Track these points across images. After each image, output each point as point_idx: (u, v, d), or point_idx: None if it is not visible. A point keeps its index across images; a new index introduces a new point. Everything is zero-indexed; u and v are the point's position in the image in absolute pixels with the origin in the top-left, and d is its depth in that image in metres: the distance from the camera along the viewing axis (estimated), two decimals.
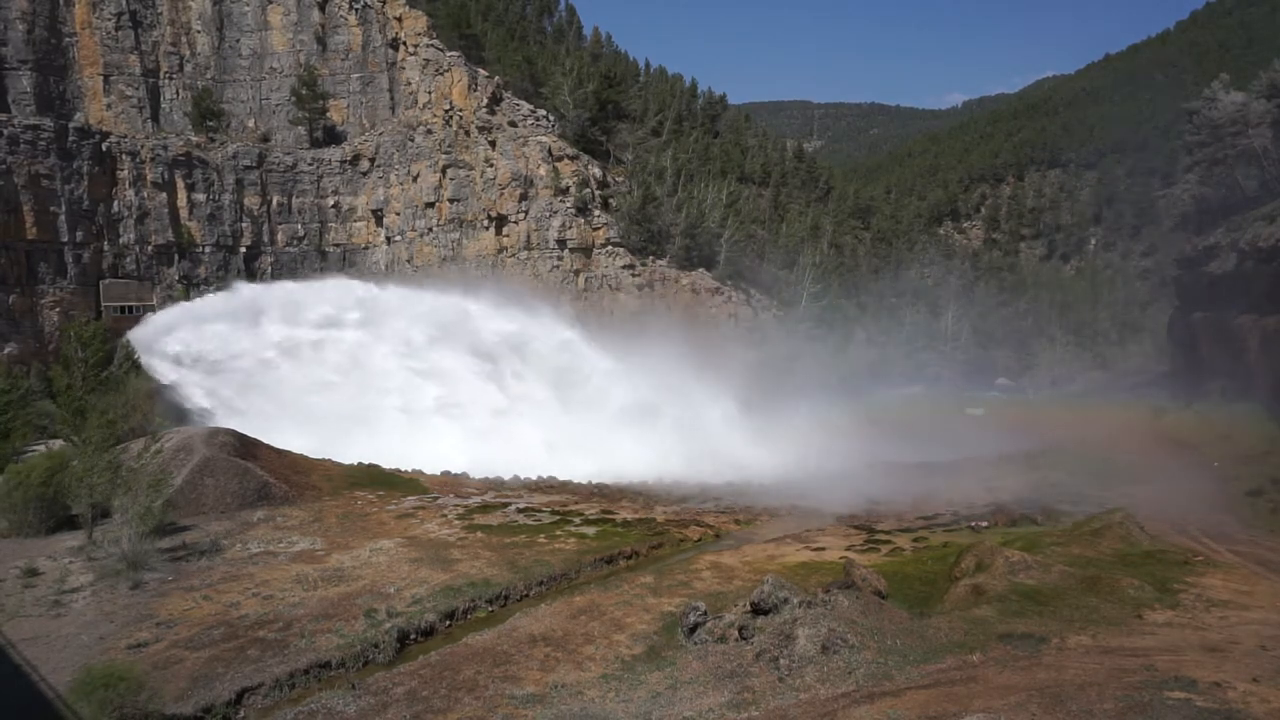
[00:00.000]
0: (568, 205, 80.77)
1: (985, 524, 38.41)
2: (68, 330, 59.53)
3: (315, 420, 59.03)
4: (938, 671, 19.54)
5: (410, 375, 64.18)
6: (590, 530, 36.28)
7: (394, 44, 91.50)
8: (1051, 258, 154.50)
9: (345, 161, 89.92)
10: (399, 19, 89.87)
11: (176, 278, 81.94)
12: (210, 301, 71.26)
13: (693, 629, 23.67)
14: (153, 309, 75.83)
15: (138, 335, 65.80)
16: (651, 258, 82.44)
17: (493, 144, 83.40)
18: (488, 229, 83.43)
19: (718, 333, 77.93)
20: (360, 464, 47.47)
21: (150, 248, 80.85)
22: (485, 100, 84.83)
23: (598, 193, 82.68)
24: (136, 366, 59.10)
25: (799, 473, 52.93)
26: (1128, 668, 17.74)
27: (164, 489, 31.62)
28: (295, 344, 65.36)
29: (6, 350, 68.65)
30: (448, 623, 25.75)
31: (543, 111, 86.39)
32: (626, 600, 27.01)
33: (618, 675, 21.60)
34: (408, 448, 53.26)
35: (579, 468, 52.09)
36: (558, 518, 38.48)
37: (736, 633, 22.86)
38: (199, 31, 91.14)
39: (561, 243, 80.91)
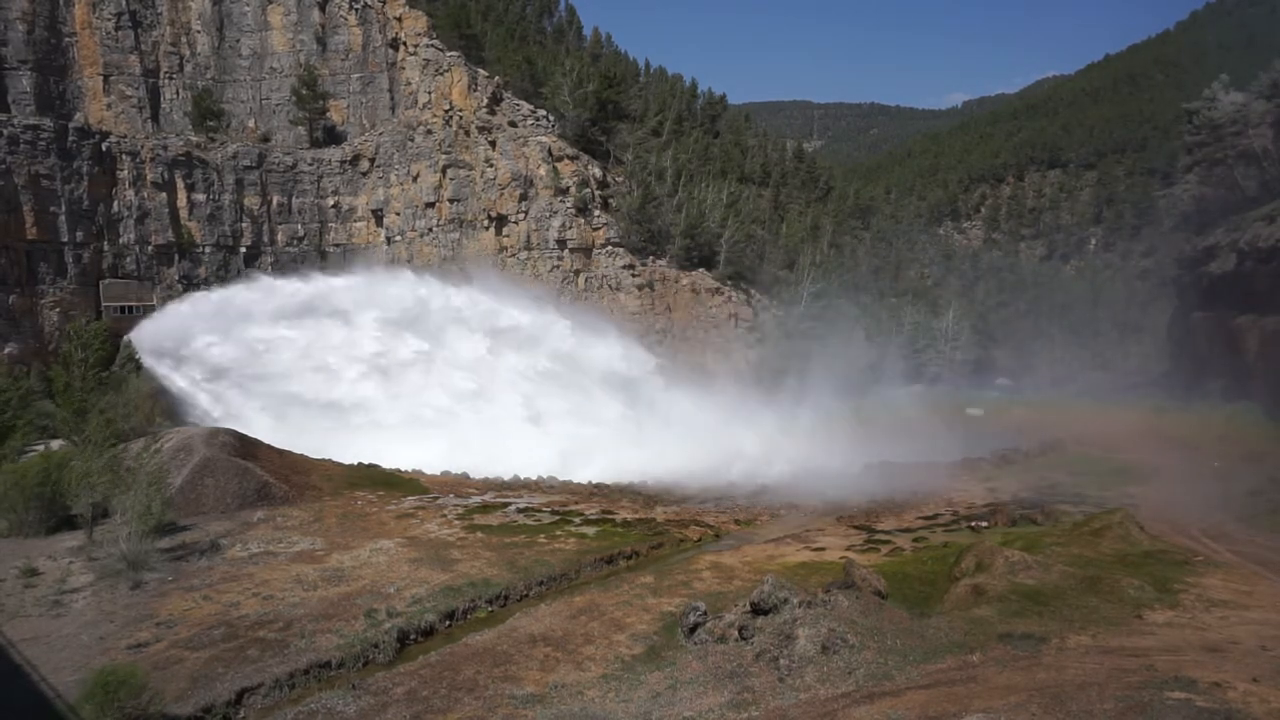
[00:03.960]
0: (568, 205, 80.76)
1: (985, 524, 38.36)
2: (68, 330, 59.53)
3: (316, 419, 59.10)
4: (938, 671, 19.54)
5: (409, 373, 64.21)
6: (590, 530, 36.26)
7: (394, 44, 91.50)
8: (1051, 258, 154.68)
9: (345, 161, 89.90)
10: (399, 19, 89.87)
11: (176, 278, 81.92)
12: (210, 299, 71.04)
13: (693, 629, 23.66)
14: (153, 309, 75.84)
15: (139, 334, 65.82)
16: (651, 258, 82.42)
17: (493, 144, 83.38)
18: (488, 229, 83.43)
19: (718, 332, 77.99)
20: (360, 464, 47.45)
21: (150, 248, 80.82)
22: (485, 100, 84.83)
23: (598, 193, 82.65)
24: (137, 366, 59.16)
25: (799, 472, 52.90)
26: (1128, 668, 17.74)
27: (164, 489, 31.61)
28: (300, 341, 65.34)
29: (6, 350, 68.63)
30: (448, 623, 25.71)
31: (543, 112, 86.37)
32: (626, 600, 27.00)
33: (618, 675, 21.59)
34: (407, 447, 53.27)
35: (578, 468, 52.09)
36: (558, 518, 38.45)
37: (736, 633, 22.85)
38: (199, 31, 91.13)
39: (561, 243, 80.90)
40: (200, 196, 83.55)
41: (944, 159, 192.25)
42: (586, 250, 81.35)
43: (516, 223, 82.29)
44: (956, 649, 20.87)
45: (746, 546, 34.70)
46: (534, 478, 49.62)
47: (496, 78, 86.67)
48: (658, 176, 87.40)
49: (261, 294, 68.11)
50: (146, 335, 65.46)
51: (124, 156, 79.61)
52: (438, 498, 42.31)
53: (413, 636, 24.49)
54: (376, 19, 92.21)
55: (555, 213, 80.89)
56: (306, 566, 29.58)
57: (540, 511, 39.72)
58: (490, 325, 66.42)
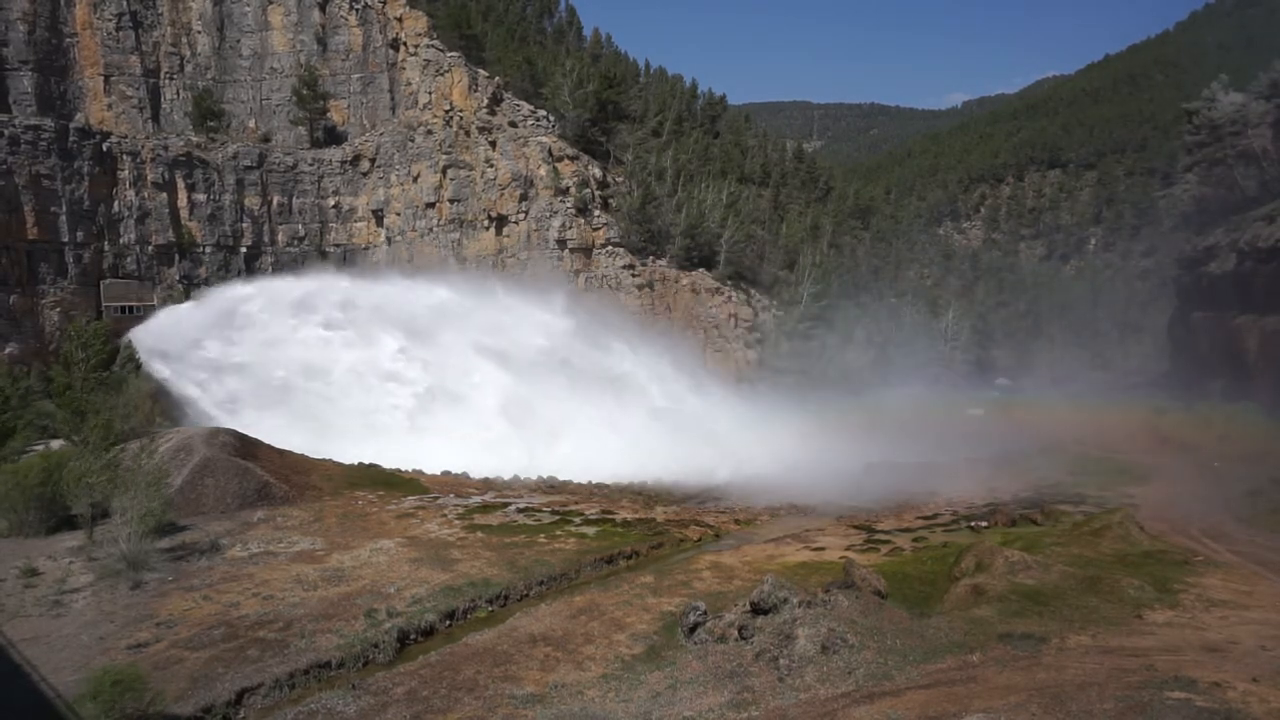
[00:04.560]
0: (568, 205, 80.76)
1: (985, 524, 38.36)
2: (68, 330, 59.52)
3: (316, 419, 59.07)
4: (938, 671, 19.54)
5: (409, 373, 64.13)
6: (590, 530, 36.27)
7: (394, 44, 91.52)
8: (1051, 258, 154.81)
9: (346, 162, 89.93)
10: (399, 19, 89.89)
11: (177, 278, 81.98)
12: (211, 299, 70.96)
13: (693, 629, 23.66)
14: (153, 309, 75.82)
15: (140, 334, 65.70)
16: (651, 258, 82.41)
17: (493, 144, 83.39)
18: (488, 229, 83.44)
19: (718, 332, 78.00)
20: (360, 464, 47.46)
21: (151, 248, 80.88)
22: (485, 101, 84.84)
23: (598, 193, 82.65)
24: (137, 367, 59.16)
25: (799, 473, 52.89)
26: (1128, 668, 17.74)
27: (164, 489, 31.61)
28: (298, 343, 65.22)
29: (7, 350, 68.65)
30: (448, 623, 25.73)
31: (543, 112, 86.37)
32: (626, 600, 27.01)
33: (618, 675, 21.60)
34: (407, 447, 53.23)
35: (578, 468, 52.04)
36: (558, 518, 38.47)
37: (736, 633, 22.85)
38: (199, 32, 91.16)
39: (561, 243, 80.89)
40: (201, 196, 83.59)
41: (944, 159, 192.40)
42: (586, 250, 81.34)
43: (517, 223, 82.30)
44: (956, 649, 20.87)
45: (746, 546, 34.71)
46: (534, 478, 49.64)
47: (497, 78, 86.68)
48: (658, 176, 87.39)
49: (324, 294, 67.15)
50: (153, 334, 65.03)
51: (124, 157, 79.66)
52: (438, 498, 42.31)
53: (413, 636, 24.51)
54: (377, 19, 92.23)
55: (555, 213, 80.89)
56: (306, 566, 29.58)
57: (540, 511, 39.74)
58: (586, 370, 64.18)
